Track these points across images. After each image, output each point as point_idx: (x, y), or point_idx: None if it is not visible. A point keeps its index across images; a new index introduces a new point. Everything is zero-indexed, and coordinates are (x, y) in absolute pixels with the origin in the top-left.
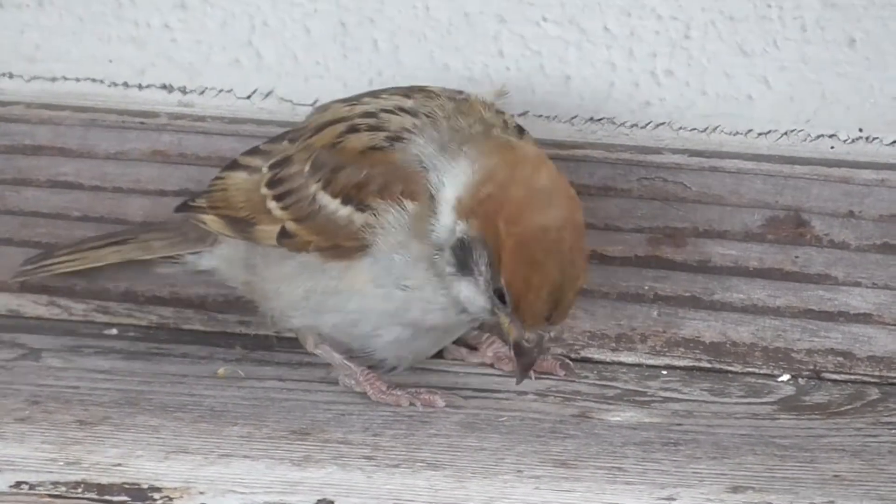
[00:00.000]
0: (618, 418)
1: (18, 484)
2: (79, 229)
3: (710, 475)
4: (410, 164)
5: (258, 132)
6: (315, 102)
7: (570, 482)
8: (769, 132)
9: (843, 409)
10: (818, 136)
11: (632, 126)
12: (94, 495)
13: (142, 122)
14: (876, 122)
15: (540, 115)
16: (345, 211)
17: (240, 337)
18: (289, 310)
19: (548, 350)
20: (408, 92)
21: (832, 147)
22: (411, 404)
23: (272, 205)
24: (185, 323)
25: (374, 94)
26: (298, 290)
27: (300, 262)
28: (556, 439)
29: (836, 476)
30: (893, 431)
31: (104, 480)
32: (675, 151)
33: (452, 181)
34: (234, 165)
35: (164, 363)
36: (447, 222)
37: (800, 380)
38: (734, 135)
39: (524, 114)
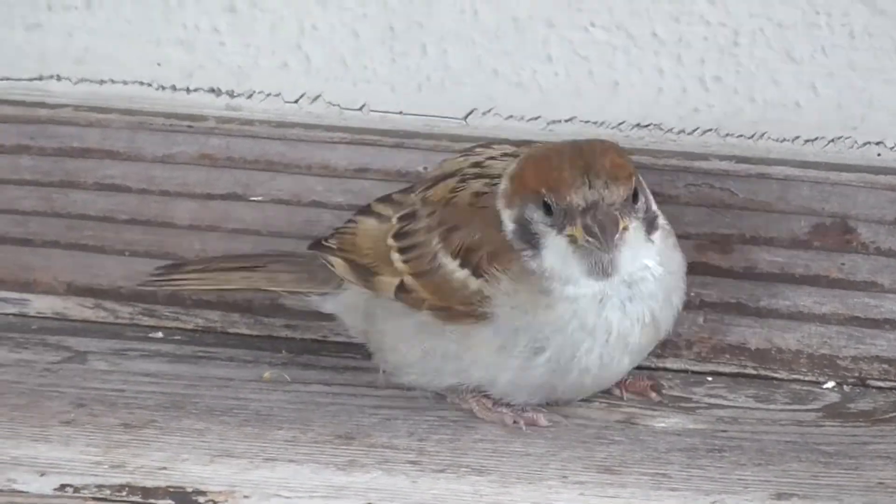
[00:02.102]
0: (663, 424)
1: (63, 487)
2: (126, 232)
3: (754, 482)
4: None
5: (305, 136)
6: (363, 107)
7: (614, 488)
8: (816, 139)
9: (888, 416)
10: (865, 143)
11: (679, 132)
12: (138, 499)
13: (189, 126)
14: None
15: (587, 121)
16: (461, 274)
17: (285, 341)
18: (405, 367)
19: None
20: (518, 143)
21: (879, 154)
22: (515, 422)
23: (395, 256)
24: (231, 327)
25: (486, 145)
26: (416, 350)
27: (419, 322)
28: (601, 445)
29: (880, 483)
30: None
31: (149, 484)
32: (722, 158)
33: (500, 186)
34: (367, 211)
35: (209, 367)
36: (507, 224)
37: (845, 387)
38: (781, 141)
39: (571, 119)
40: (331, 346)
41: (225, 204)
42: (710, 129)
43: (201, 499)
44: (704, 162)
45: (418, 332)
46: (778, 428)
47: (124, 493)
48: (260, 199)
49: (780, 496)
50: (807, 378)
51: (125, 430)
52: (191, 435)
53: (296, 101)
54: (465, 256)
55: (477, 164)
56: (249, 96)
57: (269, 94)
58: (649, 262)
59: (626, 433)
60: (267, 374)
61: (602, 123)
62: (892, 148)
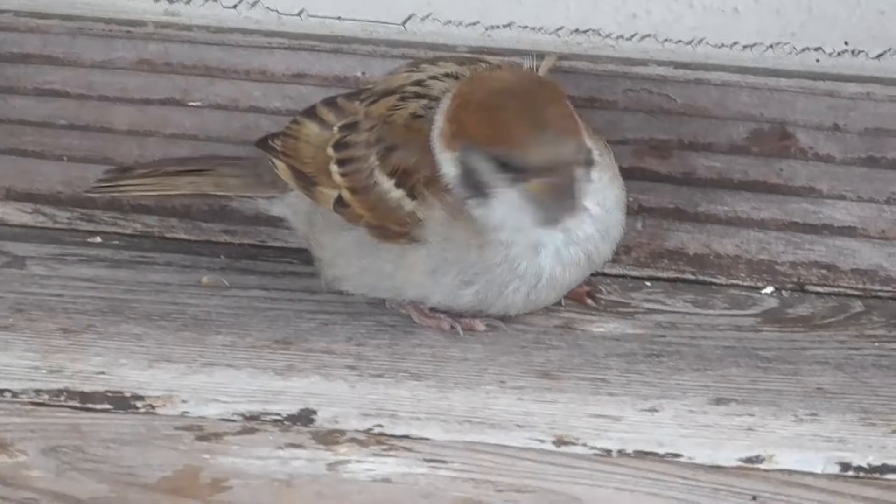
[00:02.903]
0: (601, 329)
1: (1, 391)
2: (65, 137)
3: (693, 387)
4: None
5: (244, 42)
6: (301, 13)
7: (553, 393)
8: (755, 45)
9: (826, 321)
10: (804, 50)
11: (618, 38)
12: (76, 403)
13: (128, 31)
14: (861, 35)
15: (525, 27)
16: (396, 193)
17: (224, 246)
18: (343, 279)
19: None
20: (464, 60)
21: (818, 60)
22: (452, 328)
23: (334, 168)
24: (170, 231)
25: (433, 61)
26: (353, 265)
27: (356, 237)
28: (539, 350)
29: (819, 389)
30: (876, 344)
31: (87, 388)
32: (660, 64)
33: (435, 124)
34: (311, 113)
35: (147, 272)
36: (447, 166)
37: (783, 292)
38: (720, 47)
39: (509, 25)
40: (269, 251)
41: (163, 109)
42: (649, 35)
43: (139, 403)
44: (643, 68)
45: (355, 247)
46: (716, 333)
47: (62, 398)
48: (198, 104)
49: (718, 401)
50: (745, 283)
51: (63, 335)
52: (129, 340)
53: (234, 7)
54: (402, 178)
55: (418, 83)
56: (188, 2)
57: (207, 0)
58: (589, 204)
59: (565, 338)
60: (205, 279)
61: (540, 29)
62: (830, 55)
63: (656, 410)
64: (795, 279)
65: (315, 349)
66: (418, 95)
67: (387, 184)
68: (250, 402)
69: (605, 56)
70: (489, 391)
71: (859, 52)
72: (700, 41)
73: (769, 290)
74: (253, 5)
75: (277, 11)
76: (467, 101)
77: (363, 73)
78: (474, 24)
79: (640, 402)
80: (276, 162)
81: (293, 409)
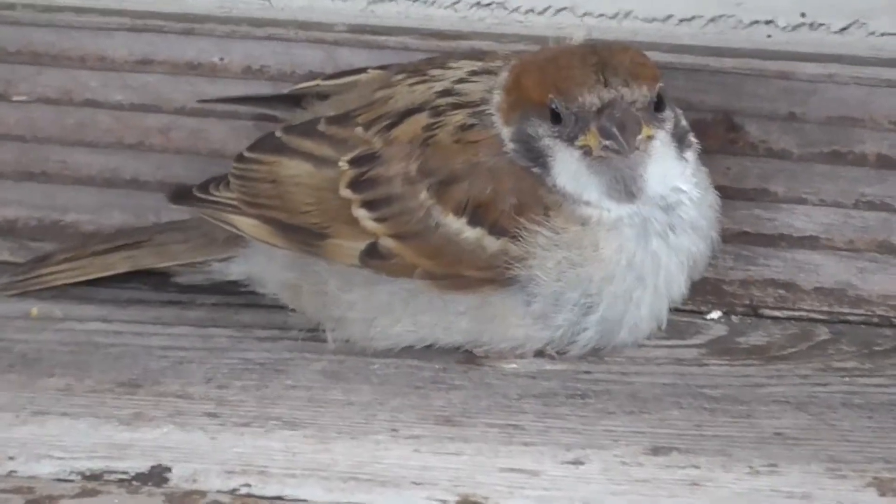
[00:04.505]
0: (513, 365)
1: None
2: None
3: (625, 433)
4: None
5: (77, 22)
6: None
7: (456, 443)
8: (692, 18)
9: (785, 352)
10: (752, 23)
11: (527, 12)
12: None
13: None
14: (821, 4)
15: (415, 0)
16: (473, 233)
17: None
18: (386, 338)
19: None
20: (479, 56)
21: (769, 36)
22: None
23: (361, 213)
24: None
25: (440, 64)
26: (404, 324)
27: (406, 291)
28: (439, 391)
29: (777, 434)
30: (846, 379)
31: None
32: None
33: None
34: (282, 148)
35: None
36: (507, 143)
37: (733, 317)
38: (650, 21)
39: None
40: (110, 275)
41: None
42: (565, 8)
43: None
44: None
45: (406, 303)
46: (653, 368)
47: None
48: (24, 98)
49: (656, 450)
50: (686, 307)
51: None
52: None
53: None
54: (476, 213)
55: (447, 92)
56: None
57: None
58: (684, 184)
59: (469, 376)
60: (34, 310)
61: (433, 3)
62: (784, 28)
63: (581, 463)
64: (747, 301)
65: (168, 393)
66: (457, 105)
67: (456, 223)
68: (90, 458)
69: (513, 34)
70: (379, 441)
71: (819, 25)
72: (627, 14)
73: (716, 314)
74: None
75: None
76: (527, 66)
77: (221, 59)
78: None
79: (561, 453)
80: (236, 219)
81: (143, 465)
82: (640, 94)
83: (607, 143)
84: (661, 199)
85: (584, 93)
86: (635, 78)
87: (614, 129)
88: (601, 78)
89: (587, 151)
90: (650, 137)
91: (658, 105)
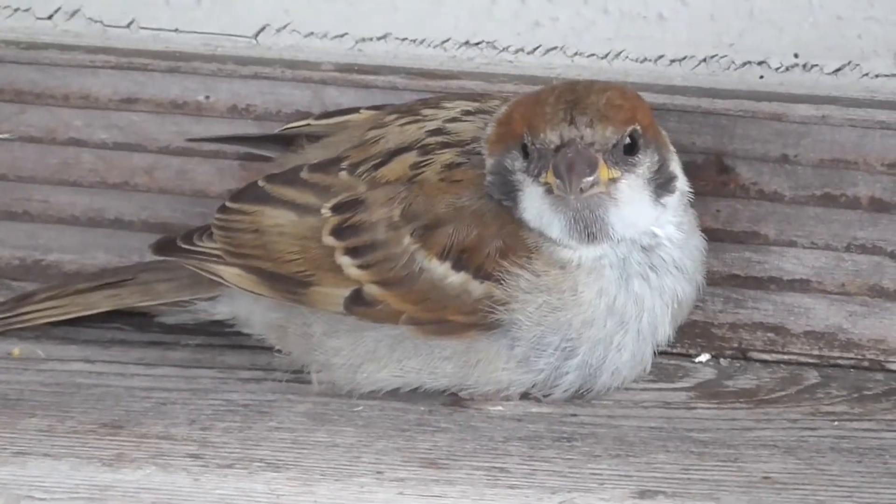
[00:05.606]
0: (499, 408)
1: None
2: None
3: (612, 477)
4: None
5: (61, 59)
6: (131, 24)
7: (441, 485)
8: (684, 59)
9: (774, 395)
10: (744, 64)
11: (517, 52)
12: None
13: None
14: (814, 46)
15: (404, 39)
16: (457, 278)
17: None
18: (373, 383)
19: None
20: (476, 97)
21: (761, 77)
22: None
23: (344, 260)
24: None
25: (434, 104)
26: (390, 369)
27: (391, 337)
28: (424, 433)
29: (766, 478)
30: (835, 423)
31: None
32: None
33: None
34: (265, 198)
35: None
36: (487, 175)
37: (722, 361)
38: (642, 62)
39: (385, 37)
40: (93, 315)
41: None
42: (555, 48)
43: None
44: None
45: (392, 349)
46: (640, 411)
47: None
48: (6, 136)
49: (643, 494)
50: (675, 350)
51: None
52: None
53: (49, 18)
54: (460, 258)
55: (438, 132)
56: None
57: (16, 9)
58: (659, 229)
59: (455, 418)
60: (16, 350)
61: (422, 42)
62: (777, 69)
63: None
64: (736, 344)
65: (151, 434)
66: (446, 144)
67: (440, 268)
68: (72, 500)
69: (502, 74)
70: (363, 484)
71: (812, 66)
72: (618, 54)
73: (704, 357)
74: (72, 15)
75: (102, 23)
76: (522, 99)
77: (207, 97)
78: (342, 35)
79: (547, 497)
80: (221, 269)
81: None
82: (601, 135)
83: (557, 182)
84: (632, 243)
85: (547, 130)
86: (602, 119)
87: (562, 169)
88: (568, 116)
89: (549, 189)
90: (613, 180)
91: (630, 148)
